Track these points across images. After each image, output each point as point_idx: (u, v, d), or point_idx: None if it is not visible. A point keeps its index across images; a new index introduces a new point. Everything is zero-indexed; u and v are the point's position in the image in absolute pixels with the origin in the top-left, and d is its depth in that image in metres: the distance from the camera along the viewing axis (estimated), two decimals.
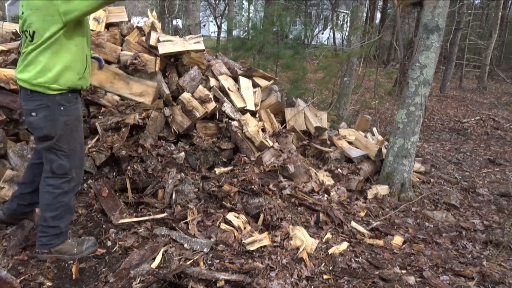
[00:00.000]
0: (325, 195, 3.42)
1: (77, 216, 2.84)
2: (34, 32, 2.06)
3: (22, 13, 2.11)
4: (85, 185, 3.02)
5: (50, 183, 2.23)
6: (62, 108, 2.16)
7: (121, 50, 3.63)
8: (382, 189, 3.87)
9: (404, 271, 2.51)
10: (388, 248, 2.87)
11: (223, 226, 2.67)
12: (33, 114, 2.12)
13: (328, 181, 3.72)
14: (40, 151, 2.24)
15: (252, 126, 3.69)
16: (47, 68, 2.09)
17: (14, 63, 3.25)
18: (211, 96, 3.79)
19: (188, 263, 2.26)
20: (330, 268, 2.47)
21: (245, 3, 18.62)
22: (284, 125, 4.22)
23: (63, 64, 2.13)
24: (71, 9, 2.02)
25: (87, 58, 2.28)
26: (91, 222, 2.79)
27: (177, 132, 3.64)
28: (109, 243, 2.54)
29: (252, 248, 2.44)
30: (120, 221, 2.75)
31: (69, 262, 2.32)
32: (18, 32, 2.16)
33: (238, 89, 4.05)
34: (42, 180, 2.27)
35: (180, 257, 2.33)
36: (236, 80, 4.15)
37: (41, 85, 2.09)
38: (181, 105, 3.65)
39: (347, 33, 10.53)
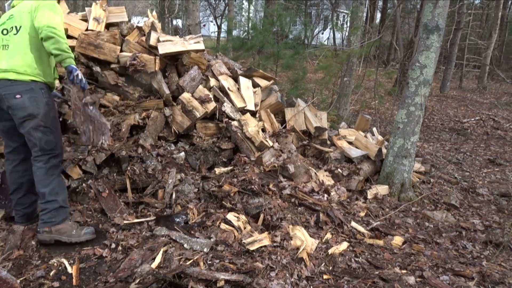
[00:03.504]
0: (325, 195, 3.42)
1: (77, 216, 2.84)
2: (20, 27, 2.39)
3: (11, 15, 2.46)
4: (84, 185, 3.02)
5: (40, 160, 2.43)
6: (43, 91, 2.42)
7: (121, 50, 3.63)
8: (382, 189, 3.87)
9: (404, 271, 2.51)
10: (388, 248, 2.87)
11: (223, 226, 2.67)
12: (18, 96, 2.33)
13: (328, 181, 3.72)
14: (27, 134, 2.40)
15: (252, 126, 3.69)
16: (36, 63, 2.39)
17: None
18: (211, 96, 3.79)
19: (188, 263, 2.26)
20: (330, 268, 2.47)
21: (245, 3, 18.63)
22: (284, 125, 4.21)
23: (47, 63, 2.47)
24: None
25: (55, 69, 2.64)
26: (91, 222, 2.79)
27: (177, 132, 3.64)
28: (109, 243, 2.54)
29: (252, 248, 2.43)
30: (124, 222, 2.76)
31: (69, 262, 2.32)
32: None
33: (238, 89, 4.05)
34: (32, 163, 2.45)
35: (180, 257, 2.33)
36: (236, 80, 4.15)
37: (28, 74, 2.36)
38: (181, 105, 3.65)
39: (347, 33, 10.53)
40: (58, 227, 2.46)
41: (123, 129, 3.31)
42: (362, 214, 3.40)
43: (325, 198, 3.36)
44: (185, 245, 2.45)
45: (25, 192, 2.56)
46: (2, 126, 2.49)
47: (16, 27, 2.40)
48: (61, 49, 2.30)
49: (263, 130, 3.87)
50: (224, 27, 17.55)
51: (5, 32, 2.42)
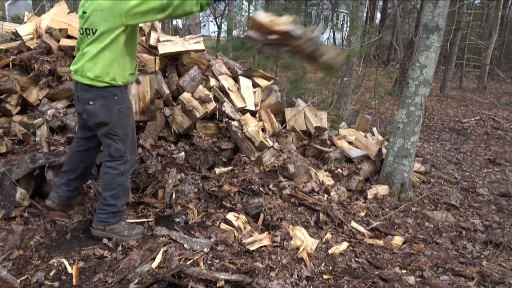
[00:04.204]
0: (325, 195, 3.42)
1: (78, 217, 2.84)
2: (96, 31, 2.23)
3: (84, 12, 2.27)
4: (84, 185, 3.01)
5: (108, 165, 2.46)
6: (116, 97, 2.36)
7: None
8: (382, 189, 3.87)
9: (404, 271, 2.51)
10: (388, 248, 2.87)
11: (223, 226, 2.67)
12: (91, 103, 2.32)
13: (328, 181, 3.72)
14: (99, 137, 2.46)
15: (252, 126, 3.69)
16: (108, 66, 2.29)
17: None
18: (211, 96, 3.79)
19: (188, 263, 2.26)
20: (330, 268, 2.47)
21: (245, 3, 18.62)
22: (284, 125, 4.21)
23: (121, 63, 2.34)
24: (134, 14, 2.19)
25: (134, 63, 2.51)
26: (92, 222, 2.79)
27: (177, 132, 3.64)
28: (109, 243, 2.54)
29: (252, 248, 2.43)
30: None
31: (69, 262, 2.32)
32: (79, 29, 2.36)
33: (238, 89, 4.05)
34: (102, 164, 2.50)
35: (180, 257, 2.33)
36: (236, 80, 4.15)
37: (100, 80, 2.29)
38: (181, 105, 3.65)
39: (347, 33, 10.53)
40: (112, 227, 2.53)
41: None
42: (362, 214, 3.40)
43: (325, 198, 3.36)
44: (185, 245, 2.45)
45: (77, 176, 2.62)
46: (79, 120, 2.58)
47: (92, 29, 2.25)
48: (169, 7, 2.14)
49: (263, 130, 3.87)
50: (224, 27, 17.54)
51: (81, 31, 2.31)
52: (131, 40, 2.36)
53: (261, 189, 3.10)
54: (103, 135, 2.42)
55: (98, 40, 2.25)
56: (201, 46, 3.88)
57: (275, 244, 2.56)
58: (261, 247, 2.48)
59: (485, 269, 2.65)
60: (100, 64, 2.28)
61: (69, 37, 3.69)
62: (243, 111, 3.91)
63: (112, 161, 2.45)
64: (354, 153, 4.13)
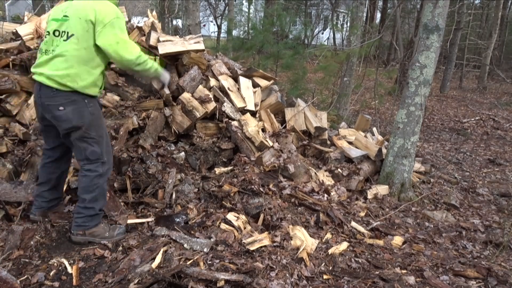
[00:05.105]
0: (325, 195, 3.42)
1: None
2: (72, 35, 2.25)
3: (65, 16, 2.29)
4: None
5: (87, 168, 2.44)
6: (86, 100, 2.35)
7: None
8: (382, 189, 3.87)
9: (404, 271, 2.51)
10: (388, 248, 2.87)
11: (223, 226, 2.67)
12: (61, 108, 2.27)
13: (328, 181, 3.72)
14: (72, 142, 2.41)
15: (252, 126, 3.69)
16: (79, 77, 2.28)
17: None
18: (211, 96, 3.79)
19: (188, 263, 2.26)
20: (330, 268, 2.47)
21: (245, 3, 18.63)
22: (284, 125, 4.21)
23: (92, 75, 2.34)
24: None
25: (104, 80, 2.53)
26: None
27: (177, 132, 3.64)
28: (109, 244, 2.54)
29: (252, 248, 2.43)
30: (128, 221, 2.76)
31: (69, 262, 2.32)
32: (48, 31, 2.34)
33: (238, 89, 4.05)
34: (80, 167, 2.47)
35: (180, 257, 2.33)
36: (236, 80, 4.15)
37: (69, 87, 2.27)
38: (181, 105, 3.65)
39: (347, 33, 10.53)
40: (92, 231, 2.51)
41: (121, 133, 3.30)
42: (362, 214, 3.40)
43: (325, 198, 3.36)
44: (185, 245, 2.45)
45: (50, 187, 2.60)
46: (43, 126, 2.50)
47: (67, 33, 2.25)
48: (144, 67, 2.42)
49: (263, 130, 3.87)
50: (224, 27, 17.54)
51: (56, 33, 2.28)
52: (103, 56, 2.35)
53: (261, 189, 3.10)
54: (77, 139, 2.37)
55: (72, 44, 2.24)
56: (201, 46, 3.87)
57: (275, 244, 2.56)
58: (261, 247, 2.48)
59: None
60: (72, 73, 2.25)
61: None
62: (243, 111, 3.90)
63: (90, 164, 2.42)
64: (354, 153, 4.13)
